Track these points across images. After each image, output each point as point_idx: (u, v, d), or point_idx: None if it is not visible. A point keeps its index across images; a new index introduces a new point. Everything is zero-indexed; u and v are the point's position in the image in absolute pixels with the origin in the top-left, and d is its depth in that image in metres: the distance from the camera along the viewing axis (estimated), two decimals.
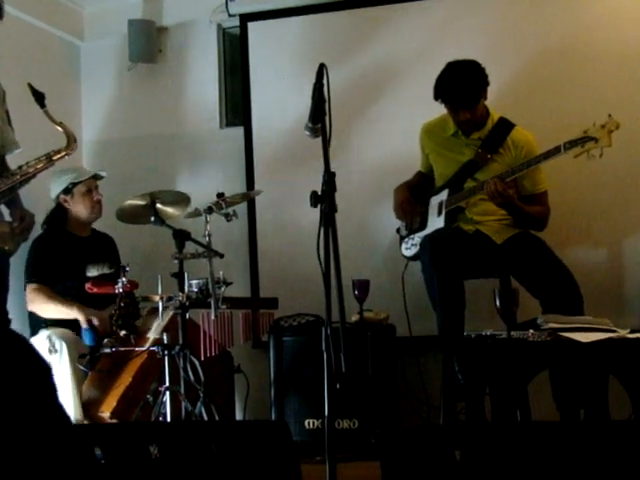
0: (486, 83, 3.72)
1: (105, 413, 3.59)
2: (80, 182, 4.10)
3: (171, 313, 3.57)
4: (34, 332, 3.93)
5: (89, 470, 1.98)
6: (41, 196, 4.10)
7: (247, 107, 4.83)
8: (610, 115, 3.34)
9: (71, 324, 3.87)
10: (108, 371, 3.69)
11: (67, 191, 4.10)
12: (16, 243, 3.56)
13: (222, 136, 4.99)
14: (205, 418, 3.47)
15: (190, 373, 3.50)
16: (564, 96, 4.33)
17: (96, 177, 4.21)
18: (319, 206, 2.52)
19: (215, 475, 2.20)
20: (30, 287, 3.96)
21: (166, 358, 3.46)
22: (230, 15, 4.86)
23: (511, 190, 3.66)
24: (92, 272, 3.68)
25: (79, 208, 4.12)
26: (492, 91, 3.77)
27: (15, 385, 1.79)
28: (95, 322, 3.76)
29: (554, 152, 3.47)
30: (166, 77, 5.06)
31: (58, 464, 1.82)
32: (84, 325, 3.77)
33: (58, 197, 4.12)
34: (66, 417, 1.94)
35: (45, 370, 1.92)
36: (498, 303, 3.05)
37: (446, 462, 2.17)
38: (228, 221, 3.68)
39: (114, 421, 3.56)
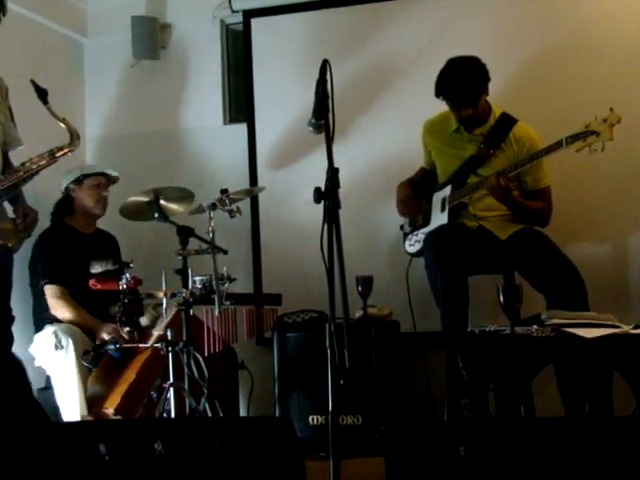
0: (487, 79, 3.71)
1: (109, 409, 3.60)
2: (91, 175, 4.19)
3: (175, 309, 3.58)
4: (39, 328, 3.94)
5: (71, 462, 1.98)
6: (44, 193, 4.12)
7: (250, 103, 4.83)
8: (612, 109, 3.33)
9: None
10: (115, 365, 3.71)
11: (77, 181, 4.17)
12: (19, 240, 3.55)
13: (225, 132, 4.99)
14: (209, 414, 3.48)
15: (194, 369, 3.51)
16: (565, 91, 4.32)
17: (107, 176, 4.28)
18: (322, 202, 2.52)
19: (219, 471, 2.20)
20: (49, 290, 3.97)
21: (170, 354, 3.46)
22: (233, 11, 4.87)
23: (512, 185, 3.65)
24: (96, 268, 3.68)
25: (85, 199, 4.18)
26: (494, 86, 3.77)
27: None
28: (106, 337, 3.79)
29: (556, 146, 3.46)
30: (169, 74, 5.07)
31: (33, 456, 1.82)
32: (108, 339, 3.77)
33: (67, 188, 4.19)
34: (43, 413, 1.95)
35: (19, 367, 1.92)
36: (502, 299, 3.04)
37: (450, 458, 2.17)
38: (232, 217, 3.68)
39: (118, 417, 3.56)
